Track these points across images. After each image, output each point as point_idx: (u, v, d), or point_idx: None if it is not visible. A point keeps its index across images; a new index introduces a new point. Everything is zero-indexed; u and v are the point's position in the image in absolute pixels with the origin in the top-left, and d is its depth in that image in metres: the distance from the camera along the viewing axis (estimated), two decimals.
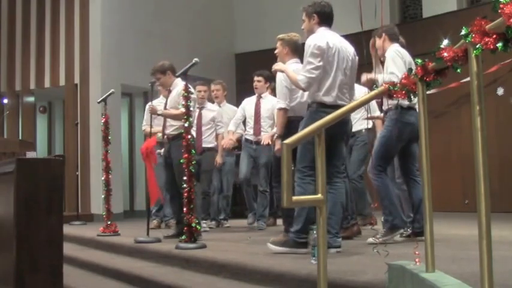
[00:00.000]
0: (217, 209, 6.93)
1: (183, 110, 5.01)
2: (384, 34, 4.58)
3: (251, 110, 6.54)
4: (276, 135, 4.72)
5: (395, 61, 4.31)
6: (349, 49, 4.09)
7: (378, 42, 4.62)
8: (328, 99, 3.93)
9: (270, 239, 4.89)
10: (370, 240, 4.44)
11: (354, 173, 5.55)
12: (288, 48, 4.69)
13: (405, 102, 4.24)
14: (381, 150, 4.41)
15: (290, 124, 4.61)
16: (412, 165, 4.55)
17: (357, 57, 4.16)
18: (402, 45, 4.83)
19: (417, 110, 4.43)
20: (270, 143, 5.44)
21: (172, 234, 5.35)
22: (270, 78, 6.58)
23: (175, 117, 5.39)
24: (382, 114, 5.32)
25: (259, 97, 6.55)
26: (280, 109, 4.69)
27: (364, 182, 5.61)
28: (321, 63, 3.90)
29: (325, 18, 4.08)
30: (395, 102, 4.25)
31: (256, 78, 6.54)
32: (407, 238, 4.44)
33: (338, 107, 3.84)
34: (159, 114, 5.58)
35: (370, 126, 5.68)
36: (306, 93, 4.57)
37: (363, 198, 5.64)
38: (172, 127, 5.48)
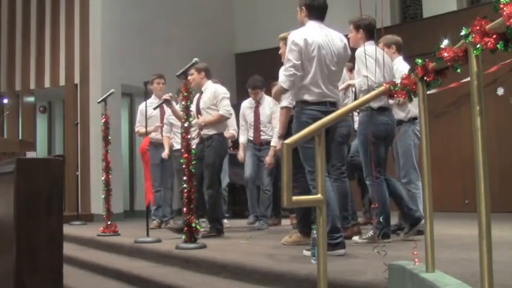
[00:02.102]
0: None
1: (220, 113, 5.47)
2: (361, 30, 4.45)
3: (251, 117, 6.64)
4: (278, 134, 4.77)
5: (359, 63, 4.26)
6: (337, 43, 3.94)
7: (354, 35, 4.49)
8: (310, 97, 3.81)
9: (269, 238, 4.91)
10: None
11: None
12: None
13: (375, 104, 4.24)
14: (365, 157, 4.37)
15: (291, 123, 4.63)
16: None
17: (348, 52, 4.07)
18: (399, 45, 4.83)
19: (391, 109, 4.46)
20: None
21: (177, 228, 5.30)
22: (264, 84, 6.65)
23: (216, 122, 5.54)
24: None
25: (258, 103, 6.62)
26: (282, 108, 4.71)
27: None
28: (298, 62, 3.78)
29: (314, 12, 3.94)
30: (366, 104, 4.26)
31: (252, 90, 6.60)
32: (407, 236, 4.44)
33: (325, 103, 3.82)
34: (203, 126, 5.52)
35: None
36: None
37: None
38: (207, 127, 5.55)
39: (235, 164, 7.25)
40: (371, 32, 4.46)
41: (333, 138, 4.02)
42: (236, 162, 7.07)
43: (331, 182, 3.90)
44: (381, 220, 4.17)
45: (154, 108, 6.25)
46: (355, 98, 4.90)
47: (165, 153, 6.75)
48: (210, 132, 5.53)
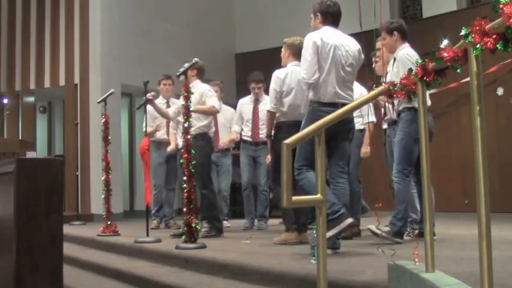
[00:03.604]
0: None
1: (211, 104, 5.47)
2: (396, 32, 4.45)
3: (249, 114, 6.55)
4: (265, 135, 4.93)
5: (405, 66, 4.22)
6: (352, 47, 4.03)
7: (389, 40, 4.49)
8: (325, 97, 3.88)
9: (269, 238, 4.90)
10: (372, 227, 4.33)
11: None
12: (289, 51, 4.83)
13: None
14: (403, 154, 4.31)
15: (281, 129, 4.68)
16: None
17: (362, 56, 4.12)
18: None
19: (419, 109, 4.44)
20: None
21: (179, 233, 5.33)
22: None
23: (205, 112, 5.54)
24: (375, 119, 5.28)
25: (257, 101, 6.55)
26: (267, 111, 4.90)
27: (361, 186, 5.50)
28: (315, 60, 3.86)
29: (330, 18, 4.05)
30: (409, 104, 4.21)
31: (256, 85, 6.49)
32: (417, 238, 4.40)
33: (337, 105, 3.84)
34: (192, 111, 5.52)
35: (362, 127, 5.56)
36: (297, 97, 4.64)
37: (358, 202, 5.51)
38: (193, 127, 5.52)
39: (235, 164, 7.25)
40: (405, 33, 4.47)
41: (346, 138, 4.00)
42: (237, 162, 7.05)
43: (333, 183, 3.93)
44: (401, 218, 4.17)
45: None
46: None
47: (170, 148, 6.57)
48: (196, 131, 5.44)
